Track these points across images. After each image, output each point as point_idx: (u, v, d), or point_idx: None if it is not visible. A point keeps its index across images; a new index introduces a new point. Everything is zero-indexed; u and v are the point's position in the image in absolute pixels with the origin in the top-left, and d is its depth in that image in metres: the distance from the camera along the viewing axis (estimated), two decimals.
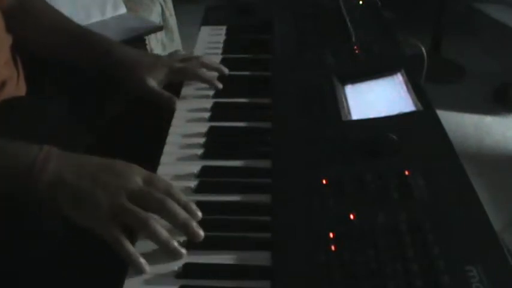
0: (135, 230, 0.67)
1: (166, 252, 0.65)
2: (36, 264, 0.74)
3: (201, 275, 0.63)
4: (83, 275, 0.73)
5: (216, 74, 1.01)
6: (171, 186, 0.69)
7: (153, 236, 0.65)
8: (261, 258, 0.64)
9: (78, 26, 1.06)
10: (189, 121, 0.91)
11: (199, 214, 0.69)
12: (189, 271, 0.63)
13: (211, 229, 0.68)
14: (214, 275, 0.62)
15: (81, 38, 1.03)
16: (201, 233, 0.66)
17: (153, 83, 0.96)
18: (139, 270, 0.63)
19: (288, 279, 0.60)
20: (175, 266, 0.63)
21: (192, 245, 0.66)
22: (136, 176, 0.68)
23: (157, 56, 1.06)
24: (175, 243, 0.65)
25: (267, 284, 0.60)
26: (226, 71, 1.02)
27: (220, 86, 0.98)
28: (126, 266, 0.63)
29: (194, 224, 0.67)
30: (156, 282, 0.62)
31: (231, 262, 0.64)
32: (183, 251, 0.65)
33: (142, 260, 0.64)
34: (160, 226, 0.65)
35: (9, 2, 1.01)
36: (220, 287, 0.61)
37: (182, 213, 0.67)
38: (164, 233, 0.65)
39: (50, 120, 0.93)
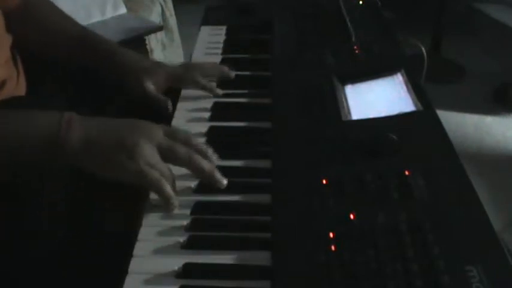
0: (180, 165, 0.73)
1: (210, 182, 0.72)
2: (36, 264, 0.74)
3: (201, 275, 0.63)
4: (83, 275, 0.73)
5: (214, 83, 1.00)
6: (189, 136, 0.75)
7: (199, 168, 0.72)
8: (261, 258, 0.64)
9: (81, 28, 1.06)
10: (189, 121, 0.91)
11: (215, 159, 0.75)
12: (189, 271, 0.63)
13: (211, 229, 0.68)
14: (214, 275, 0.62)
15: (83, 41, 1.03)
16: (225, 181, 0.73)
17: (151, 87, 0.97)
18: (170, 210, 0.70)
19: (288, 279, 0.60)
20: (175, 266, 0.63)
21: (192, 245, 0.66)
22: (157, 129, 0.73)
23: (159, 62, 1.07)
24: (218, 173, 0.73)
25: (267, 284, 0.60)
26: (232, 74, 1.02)
27: (221, 92, 0.97)
28: (125, 266, 0.63)
29: (218, 173, 0.73)
30: (156, 282, 0.62)
31: (231, 262, 0.64)
32: (225, 181, 0.73)
33: (176, 204, 0.70)
34: (202, 158, 0.72)
35: (16, 1, 1.01)
36: (220, 287, 0.61)
37: (207, 164, 0.73)
38: (208, 164, 0.72)
39: None
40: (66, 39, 1.04)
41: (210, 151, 0.75)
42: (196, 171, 0.73)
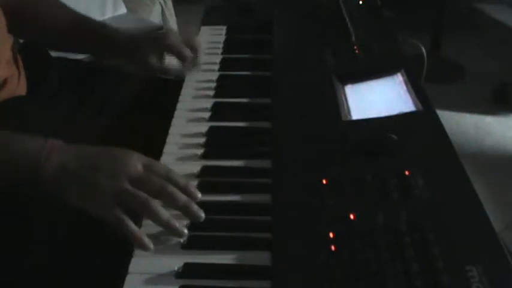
0: (138, 212, 0.68)
1: (169, 232, 0.67)
2: (36, 264, 0.74)
3: (201, 275, 0.63)
4: (83, 275, 0.73)
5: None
6: (170, 171, 0.70)
7: (154, 217, 0.66)
8: (261, 258, 0.64)
9: (79, 15, 1.09)
10: (189, 121, 0.91)
11: (199, 195, 0.70)
12: (189, 271, 0.63)
13: (211, 229, 0.68)
14: (214, 275, 0.62)
15: (79, 26, 1.06)
16: (202, 214, 0.68)
17: (154, 62, 1.00)
18: (144, 249, 0.65)
19: (288, 279, 0.60)
20: (175, 266, 0.63)
21: (192, 244, 0.66)
22: (136, 161, 0.70)
23: (148, 33, 1.13)
24: (176, 223, 0.66)
25: (267, 284, 0.60)
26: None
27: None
28: (125, 266, 0.63)
29: (194, 206, 0.68)
30: (156, 282, 0.62)
31: (231, 262, 0.64)
32: (185, 230, 0.67)
33: (146, 239, 0.65)
34: (161, 207, 0.67)
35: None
36: (220, 287, 0.61)
37: (182, 197, 0.68)
38: (165, 214, 0.67)
39: (50, 121, 0.93)
40: (62, 23, 1.06)
41: (191, 186, 0.70)
42: (169, 202, 0.68)
